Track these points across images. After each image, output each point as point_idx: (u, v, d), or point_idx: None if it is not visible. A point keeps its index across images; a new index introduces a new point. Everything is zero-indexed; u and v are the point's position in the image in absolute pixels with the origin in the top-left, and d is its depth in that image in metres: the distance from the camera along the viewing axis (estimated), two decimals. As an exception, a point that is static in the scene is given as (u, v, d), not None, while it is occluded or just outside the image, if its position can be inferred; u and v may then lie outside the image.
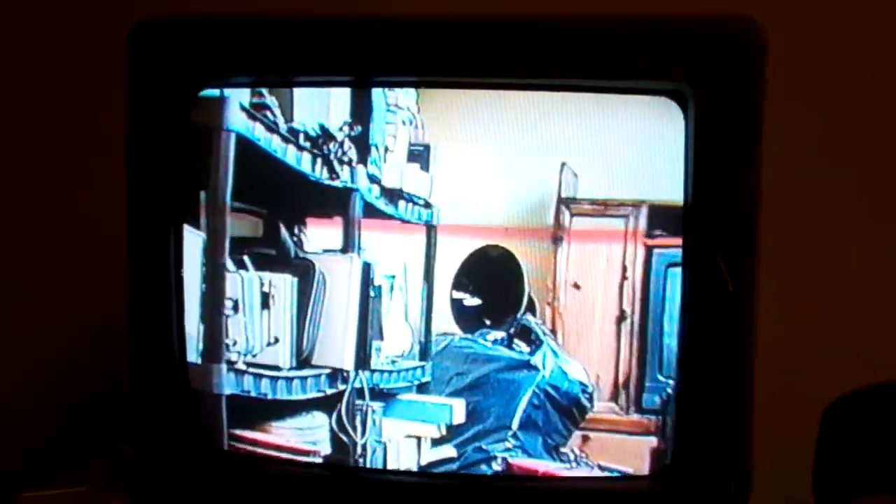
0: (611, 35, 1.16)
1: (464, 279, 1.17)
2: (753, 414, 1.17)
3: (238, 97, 1.16)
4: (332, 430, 1.19)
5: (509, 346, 1.17)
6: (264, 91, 1.16)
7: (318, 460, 1.18)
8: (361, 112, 1.16)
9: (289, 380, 1.20)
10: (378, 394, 1.20)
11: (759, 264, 1.17)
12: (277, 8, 1.22)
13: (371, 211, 1.18)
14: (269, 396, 1.19)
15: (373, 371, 1.20)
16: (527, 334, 1.17)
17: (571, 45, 1.17)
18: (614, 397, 1.14)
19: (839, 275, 1.59)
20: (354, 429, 1.19)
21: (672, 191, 1.10)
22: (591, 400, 1.15)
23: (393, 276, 1.19)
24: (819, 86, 1.57)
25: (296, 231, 1.19)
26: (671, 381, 1.12)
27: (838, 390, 1.27)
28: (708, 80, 1.14)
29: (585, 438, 1.15)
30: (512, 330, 1.17)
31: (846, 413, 1.24)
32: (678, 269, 1.11)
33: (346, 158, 1.17)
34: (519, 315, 1.16)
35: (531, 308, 1.16)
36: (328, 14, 1.20)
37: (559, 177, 1.12)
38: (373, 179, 1.18)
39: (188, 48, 1.20)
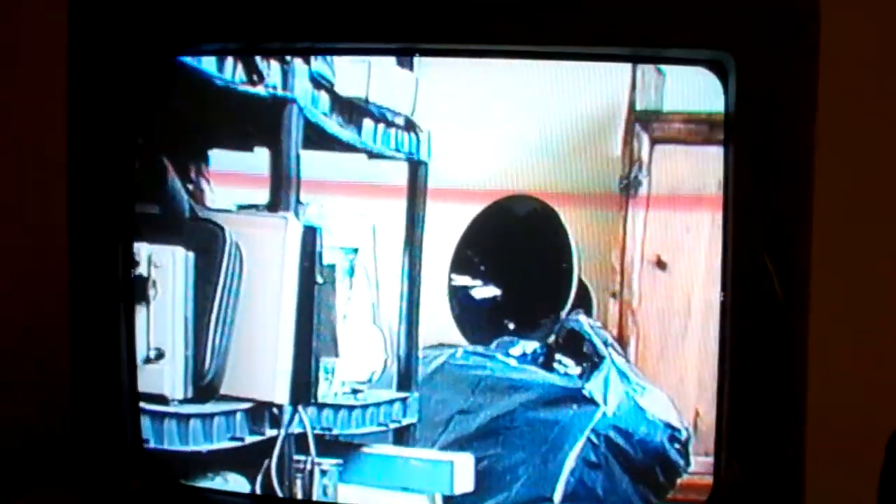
0: (650, 2, 0.99)
1: (471, 253, 0.87)
2: (807, 443, 0.95)
3: None
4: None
5: (548, 366, 0.88)
6: None
7: None
8: None
9: (182, 418, 0.93)
10: (331, 444, 0.91)
11: (810, 267, 0.96)
12: None
13: (317, 136, 0.89)
14: (151, 444, 0.92)
15: (321, 407, 0.91)
16: (577, 346, 0.87)
17: (589, 9, 1.00)
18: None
19: None
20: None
21: None
22: (684, 453, 0.88)
23: (354, 250, 0.91)
24: (882, 59, 1.27)
25: (192, 174, 0.92)
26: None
27: None
28: (751, 48, 0.98)
29: None
30: (552, 339, 0.87)
31: None
32: None
33: (275, 53, 0.90)
34: (564, 314, 0.87)
35: (584, 302, 0.86)
36: None
37: (631, 78, 0.88)
38: (319, 83, 0.90)
39: (136, 12, 1.00)
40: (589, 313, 0.86)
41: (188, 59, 0.94)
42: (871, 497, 1.07)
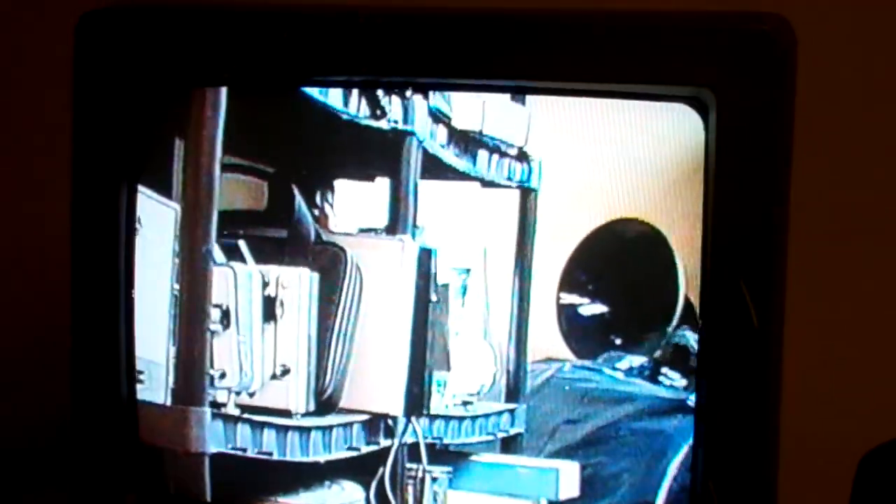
0: (620, 34, 1.01)
1: (580, 273, 0.91)
2: (779, 464, 0.99)
3: None
4: None
5: (653, 379, 0.91)
6: None
7: None
8: None
9: (304, 430, 0.95)
10: (442, 453, 0.94)
11: (785, 294, 0.99)
12: None
13: (434, 167, 0.92)
14: (276, 456, 0.94)
15: (433, 418, 0.94)
16: (683, 359, 0.91)
17: (579, 43, 1.01)
18: None
19: (882, 305, 1.35)
20: None
21: None
22: None
23: (467, 271, 0.93)
24: (859, 90, 1.35)
25: (318, 200, 0.94)
26: None
27: (876, 439, 1.06)
28: (731, 84, 0.99)
29: None
30: (659, 353, 0.91)
31: (884, 464, 1.05)
32: None
33: (395, 88, 0.94)
34: (670, 329, 0.90)
35: (690, 319, 0.90)
36: (307, 5, 1.07)
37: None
38: (437, 118, 0.93)
39: (141, 40, 1.06)
40: (695, 329, 0.91)
41: (313, 93, 0.96)
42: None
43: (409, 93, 0.93)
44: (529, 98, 0.92)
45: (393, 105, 0.93)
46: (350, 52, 1.02)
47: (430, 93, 0.94)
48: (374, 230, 0.95)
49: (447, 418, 0.95)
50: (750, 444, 0.99)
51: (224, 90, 0.98)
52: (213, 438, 0.95)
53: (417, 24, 1.02)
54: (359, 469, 0.96)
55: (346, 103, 0.93)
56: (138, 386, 0.99)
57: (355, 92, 0.94)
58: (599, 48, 1.03)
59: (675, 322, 0.90)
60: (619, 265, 0.91)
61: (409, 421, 0.95)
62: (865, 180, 1.38)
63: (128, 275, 1.02)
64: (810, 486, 1.17)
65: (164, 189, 0.95)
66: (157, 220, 0.96)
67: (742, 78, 0.99)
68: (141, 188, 0.96)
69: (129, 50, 1.10)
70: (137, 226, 0.96)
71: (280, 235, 0.96)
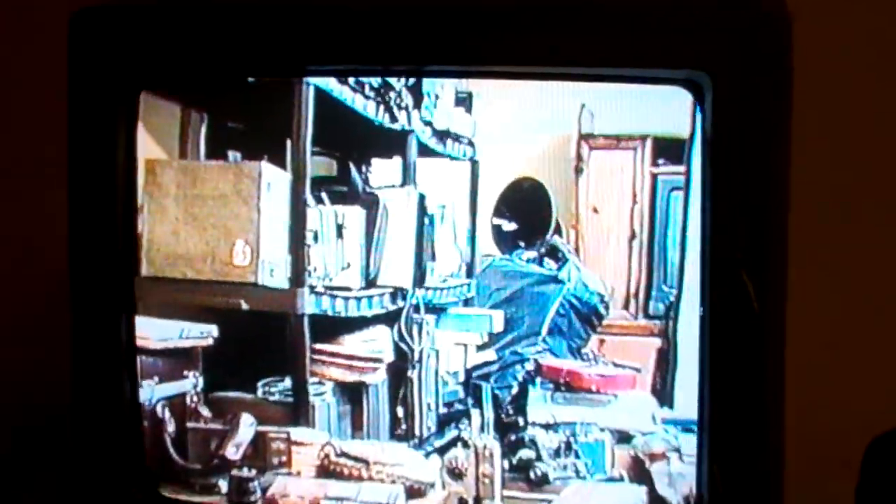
0: (615, 16, 1.09)
1: (502, 207, 1.26)
2: (785, 451, 1.11)
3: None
4: (394, 340, 1.27)
5: (540, 264, 1.25)
6: None
7: (382, 367, 1.26)
8: None
9: (359, 299, 1.28)
10: (431, 308, 1.27)
11: (787, 280, 1.07)
12: None
13: (425, 150, 1.25)
14: (343, 314, 1.26)
15: (427, 289, 1.27)
16: (554, 253, 1.25)
17: (572, 28, 1.10)
18: (626, 305, 1.22)
19: (886, 292, 1.44)
20: (412, 339, 1.27)
21: (671, 126, 1.16)
22: (606, 308, 1.23)
23: (443, 206, 1.27)
24: (859, 73, 1.41)
25: (363, 170, 1.27)
26: (673, 290, 1.19)
27: (882, 426, 1.21)
28: (727, 66, 1.04)
29: (602, 341, 1.23)
30: (542, 250, 1.25)
31: (891, 450, 1.20)
32: (679, 193, 1.17)
33: (403, 105, 1.24)
34: (548, 237, 1.25)
35: (558, 230, 1.24)
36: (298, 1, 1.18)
37: (579, 117, 1.19)
38: (426, 123, 1.25)
39: (134, 37, 1.19)
40: (561, 236, 1.23)
41: (358, 108, 1.23)
42: (849, 502, 1.18)
43: (410, 108, 1.23)
44: (475, 111, 1.21)
45: (401, 116, 1.24)
46: (349, 42, 1.15)
47: (422, 107, 1.22)
48: (393, 185, 1.26)
49: (434, 288, 1.28)
50: (754, 429, 1.08)
51: (312, 90, 1.22)
52: (309, 305, 1.25)
53: (411, 14, 1.15)
54: (387, 319, 1.27)
55: (377, 115, 1.23)
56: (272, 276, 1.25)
57: (382, 108, 1.23)
58: (593, 32, 1.08)
59: (549, 233, 1.23)
60: (521, 203, 1.24)
61: (414, 291, 1.28)
62: (866, 165, 1.42)
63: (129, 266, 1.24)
64: (816, 470, 1.27)
65: (282, 165, 1.23)
66: (279, 182, 1.24)
67: (738, 60, 1.02)
68: (266, 164, 1.22)
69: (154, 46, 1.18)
70: (265, 189, 1.23)
71: (343, 189, 1.27)
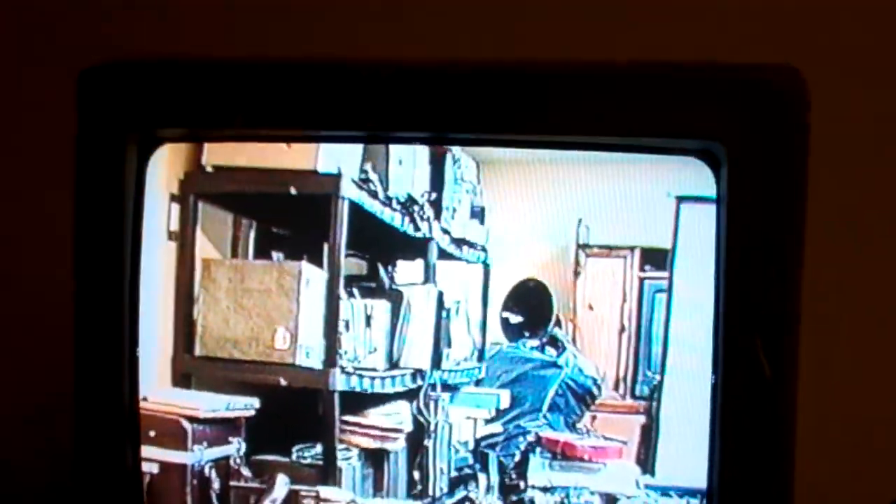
0: (632, 86, 1.05)
1: (510, 303, 1.35)
2: None
3: (349, 173, 1.33)
4: (413, 414, 1.37)
5: (542, 351, 1.35)
6: (368, 168, 1.32)
7: (402, 436, 1.36)
8: (437, 184, 1.34)
9: (383, 378, 1.37)
10: (446, 387, 1.37)
11: (798, 349, 1.05)
12: (252, 50, 1.26)
13: (444, 254, 1.36)
14: (369, 391, 1.36)
15: (443, 371, 1.37)
16: (554, 342, 1.35)
17: (586, 97, 1.07)
18: (616, 387, 1.32)
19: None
20: (429, 413, 1.37)
21: (656, 238, 1.27)
22: (599, 389, 1.32)
23: (459, 301, 1.37)
24: (874, 143, 1.40)
25: (389, 270, 1.37)
26: (657, 375, 1.29)
27: (893, 495, 1.27)
28: (743, 137, 1.01)
29: (594, 417, 1.33)
30: (544, 339, 1.35)
31: None
32: (662, 294, 1.28)
33: (425, 217, 1.35)
34: (549, 328, 1.34)
35: (558, 323, 1.33)
36: (304, 59, 1.19)
37: (576, 230, 1.29)
38: (445, 232, 1.36)
39: (141, 94, 1.21)
40: (560, 328, 1.32)
41: (385, 217, 1.33)
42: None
43: (431, 219, 1.32)
44: (487, 222, 1.30)
45: (423, 226, 1.34)
46: (359, 106, 1.15)
47: (441, 219, 1.32)
48: (416, 283, 1.36)
49: (449, 370, 1.36)
50: (765, 498, 1.06)
51: (347, 203, 1.30)
52: (340, 383, 1.35)
53: (423, 79, 1.15)
54: (407, 395, 1.36)
55: (402, 225, 1.33)
56: (306, 354, 1.33)
57: (407, 219, 1.32)
58: (608, 102, 1.04)
59: (550, 326, 1.32)
60: (526, 299, 1.33)
61: (431, 372, 1.36)
62: (884, 231, 1.43)
63: (132, 296, 1.27)
64: None
65: (320, 265, 1.33)
66: (317, 279, 1.33)
67: (754, 131, 0.98)
68: (306, 264, 1.32)
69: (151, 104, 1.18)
70: (304, 285, 1.32)
71: (372, 286, 1.36)
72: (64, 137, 1.23)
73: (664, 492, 1.30)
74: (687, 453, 1.29)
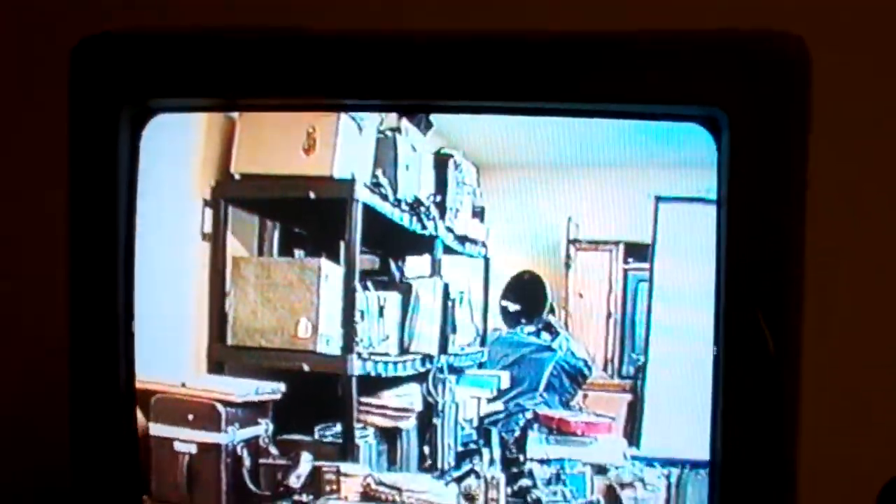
0: (634, 54, 1.03)
1: (508, 293, 1.43)
2: (798, 495, 1.07)
3: (363, 178, 1.41)
4: (423, 395, 1.45)
5: (537, 336, 1.43)
6: (378, 173, 1.41)
7: (413, 415, 1.44)
8: (441, 187, 1.43)
9: (395, 363, 1.46)
10: (453, 370, 1.45)
11: (803, 322, 1.01)
12: (243, 20, 1.27)
13: (448, 250, 1.45)
14: (383, 374, 1.44)
15: (449, 355, 1.46)
16: (549, 328, 1.43)
17: (589, 64, 1.04)
18: (604, 368, 1.40)
19: None
20: (437, 393, 1.44)
21: (638, 234, 1.34)
22: (589, 370, 1.40)
23: (462, 292, 1.46)
24: (878, 110, 1.37)
25: (399, 265, 1.47)
26: (641, 357, 1.37)
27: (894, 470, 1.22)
28: (745, 104, 0.98)
29: (585, 395, 1.41)
30: (539, 325, 1.43)
31: None
32: (644, 284, 1.35)
33: (431, 216, 1.43)
34: (544, 315, 1.42)
35: (552, 311, 1.41)
36: (298, 29, 1.19)
37: (567, 227, 1.37)
38: (449, 230, 1.44)
39: (135, 65, 1.21)
40: (554, 315, 1.40)
41: (394, 217, 1.40)
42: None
43: (436, 219, 1.40)
44: (487, 221, 1.37)
45: (430, 225, 1.42)
46: (368, 75, 1.15)
47: (446, 218, 1.40)
48: (423, 276, 1.46)
49: (455, 355, 1.45)
50: (767, 475, 1.02)
51: (361, 206, 1.38)
52: (357, 368, 1.42)
53: (428, 48, 1.14)
54: (418, 378, 1.44)
55: (410, 224, 1.41)
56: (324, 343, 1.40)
57: (415, 219, 1.40)
58: (610, 68, 1.02)
59: (545, 313, 1.41)
60: (523, 290, 1.41)
61: (439, 357, 1.45)
62: (886, 203, 1.40)
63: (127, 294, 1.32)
64: (825, 495, 1.26)
65: (337, 261, 1.41)
66: (334, 274, 1.41)
67: (756, 98, 0.96)
68: (324, 260, 1.40)
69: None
70: (324, 279, 1.39)
71: (384, 279, 1.45)
72: (60, 125, 1.23)
73: (648, 462, 1.37)
74: (669, 427, 1.37)
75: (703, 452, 1.28)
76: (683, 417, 1.33)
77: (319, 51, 1.16)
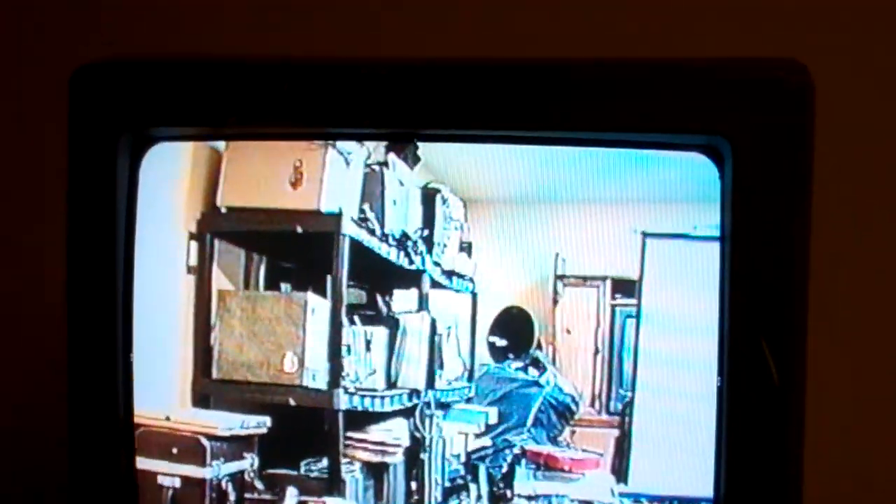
0: (635, 82, 1.03)
1: (496, 328, 1.44)
2: None
3: (349, 213, 1.41)
4: (410, 430, 1.45)
5: (525, 372, 1.43)
6: (366, 208, 1.41)
7: (400, 450, 1.43)
8: (428, 221, 1.43)
9: (382, 397, 1.45)
10: (440, 405, 1.45)
11: (806, 351, 1.00)
12: (245, 49, 1.26)
13: (435, 284, 1.45)
14: (370, 409, 1.44)
15: (436, 390, 1.46)
16: (537, 363, 1.43)
17: (590, 92, 1.03)
18: (592, 404, 1.40)
19: None
20: (425, 428, 1.44)
21: (625, 270, 1.35)
22: (577, 406, 1.41)
23: (450, 327, 1.46)
24: (881, 136, 1.35)
25: (386, 299, 1.46)
26: (628, 393, 1.38)
27: None
28: (748, 132, 0.98)
29: (573, 431, 1.41)
30: (527, 361, 1.43)
31: None
32: (632, 320, 1.36)
33: (418, 251, 1.43)
34: (531, 351, 1.42)
35: (539, 346, 1.42)
36: (297, 58, 1.19)
37: (554, 262, 1.38)
38: (436, 264, 1.44)
39: (135, 93, 1.21)
40: (541, 350, 1.40)
41: (381, 252, 1.40)
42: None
43: (423, 254, 1.39)
44: (474, 256, 1.38)
45: (417, 259, 1.42)
46: (358, 104, 1.13)
47: (433, 253, 1.39)
48: (411, 311, 1.46)
49: (442, 390, 1.45)
50: (773, 499, 1.01)
51: (348, 240, 1.38)
52: (343, 403, 1.42)
53: (423, 76, 1.13)
54: (405, 413, 1.44)
55: (398, 259, 1.41)
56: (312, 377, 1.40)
57: (402, 253, 1.40)
58: (611, 97, 1.00)
59: (532, 348, 1.41)
60: (510, 325, 1.42)
61: (426, 391, 1.45)
62: (893, 228, 1.39)
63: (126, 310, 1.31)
64: None
65: (324, 295, 1.41)
66: (321, 308, 1.41)
67: (759, 126, 0.94)
68: (311, 294, 1.40)
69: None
70: (310, 313, 1.40)
71: (371, 314, 1.45)
72: (59, 139, 1.22)
73: (636, 499, 1.38)
74: (657, 463, 1.37)
75: (691, 488, 1.31)
76: (672, 453, 1.35)
77: (315, 78, 1.18)
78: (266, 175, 1.43)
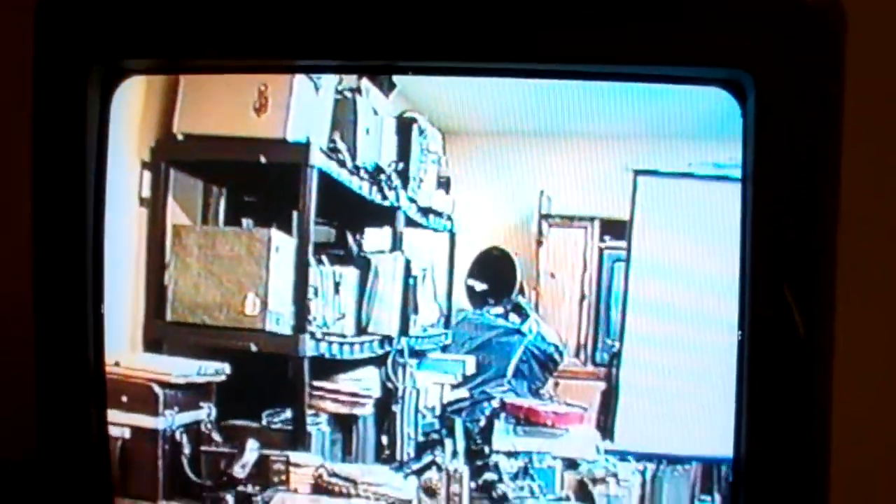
0: (652, 11, 0.98)
1: (475, 271, 1.42)
2: (830, 486, 1.01)
3: (318, 142, 1.36)
4: (381, 380, 1.42)
5: (506, 318, 1.41)
6: (336, 137, 1.36)
7: (370, 402, 1.41)
8: (404, 154, 1.39)
9: (352, 344, 1.42)
10: (414, 353, 1.43)
11: (835, 300, 0.96)
12: None
13: (410, 223, 1.41)
14: (338, 357, 1.41)
15: (410, 337, 1.44)
16: (518, 310, 1.40)
17: (600, 21, 0.99)
18: (577, 354, 1.37)
19: None
20: (397, 378, 1.42)
21: (615, 210, 1.31)
22: (561, 356, 1.38)
23: (425, 269, 1.43)
24: None
25: (357, 237, 1.42)
26: (616, 343, 1.34)
27: None
28: (772, 65, 0.93)
29: (556, 384, 1.38)
30: (508, 307, 1.41)
31: None
32: (621, 264, 1.32)
33: (393, 186, 1.40)
34: (513, 296, 1.40)
35: (521, 291, 1.39)
36: None
37: (539, 200, 1.34)
38: (411, 201, 1.41)
39: (104, 23, 1.18)
40: (524, 296, 1.37)
41: (354, 188, 1.37)
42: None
43: (398, 189, 1.37)
44: (452, 192, 1.35)
45: (391, 195, 1.39)
46: (330, 34, 1.11)
47: (408, 188, 1.37)
48: (383, 251, 1.42)
49: (416, 337, 1.43)
50: (797, 464, 0.96)
51: (316, 172, 1.34)
52: (309, 349, 1.39)
53: (412, 5, 1.10)
54: (376, 361, 1.42)
55: (370, 194, 1.38)
56: (278, 321, 1.37)
57: (374, 188, 1.37)
58: (631, 28, 0.96)
59: (514, 293, 1.38)
60: (491, 268, 1.39)
61: (399, 338, 1.43)
62: None
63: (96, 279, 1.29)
64: (861, 496, 1.22)
65: (289, 232, 1.37)
66: (286, 246, 1.37)
67: (785, 58, 0.90)
68: (275, 231, 1.36)
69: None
70: (274, 251, 1.35)
71: (340, 253, 1.41)
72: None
73: (622, 456, 1.35)
74: (645, 419, 1.35)
75: (681, 446, 1.30)
76: (661, 408, 1.32)
77: (295, 8, 1.15)
78: (227, 100, 1.37)
